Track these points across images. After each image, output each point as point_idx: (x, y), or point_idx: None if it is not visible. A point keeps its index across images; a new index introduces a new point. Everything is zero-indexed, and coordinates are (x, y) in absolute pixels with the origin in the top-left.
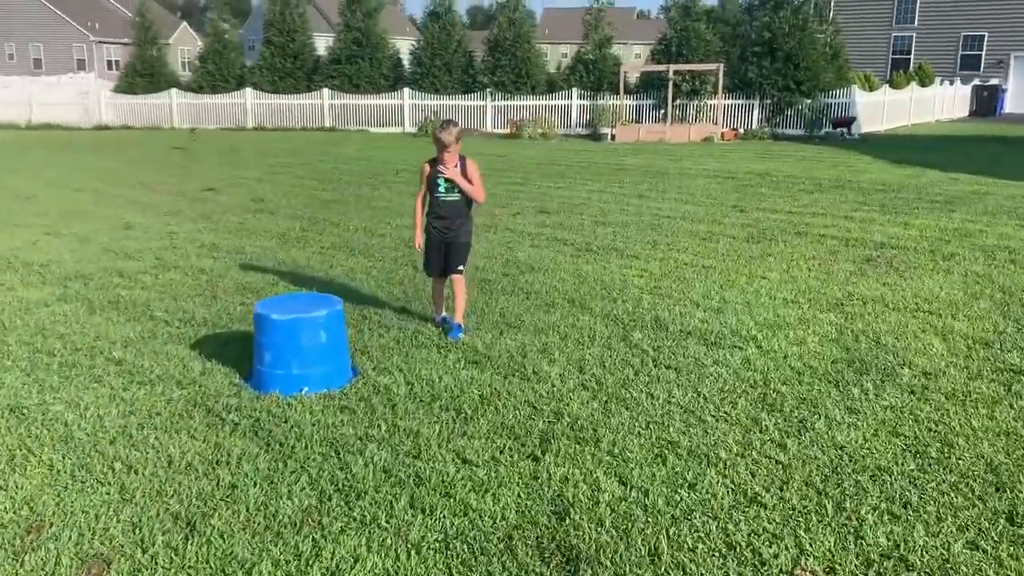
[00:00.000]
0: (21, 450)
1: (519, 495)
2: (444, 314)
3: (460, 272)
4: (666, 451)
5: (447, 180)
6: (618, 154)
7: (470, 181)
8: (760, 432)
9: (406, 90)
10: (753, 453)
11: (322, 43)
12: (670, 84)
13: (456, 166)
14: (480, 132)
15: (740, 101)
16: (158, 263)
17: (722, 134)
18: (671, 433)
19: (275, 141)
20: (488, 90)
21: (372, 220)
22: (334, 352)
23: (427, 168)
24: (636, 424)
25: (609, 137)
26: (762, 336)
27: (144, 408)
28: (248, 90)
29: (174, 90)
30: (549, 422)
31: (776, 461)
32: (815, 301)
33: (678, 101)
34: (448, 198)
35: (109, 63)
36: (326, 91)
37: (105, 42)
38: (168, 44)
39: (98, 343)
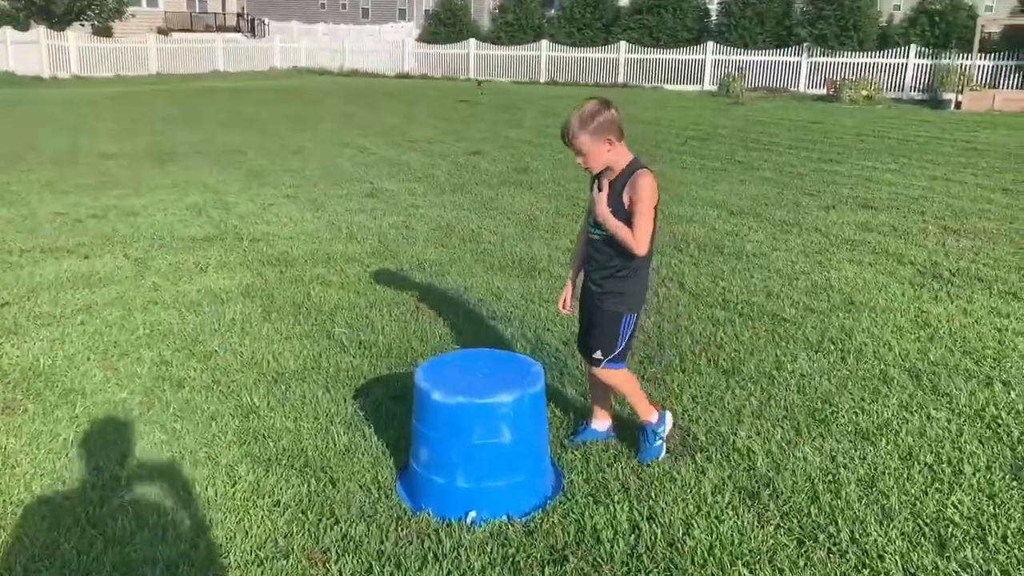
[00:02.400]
0: None
1: None
2: (595, 423)
3: (596, 363)
4: None
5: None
6: (966, 127)
7: (628, 213)
8: None
9: (709, 44)
10: None
11: None
12: None
13: (605, 189)
14: (789, 93)
15: None
16: (377, 249)
17: None
18: None
19: (562, 98)
20: (805, 44)
21: None
22: (523, 457)
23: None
24: None
25: (952, 105)
26: None
27: (229, 520)
28: (544, 42)
29: (472, 40)
30: None
31: None
32: None
33: None
34: (599, 236)
35: (426, 12)
36: (623, 44)
37: None
38: None
39: (241, 375)
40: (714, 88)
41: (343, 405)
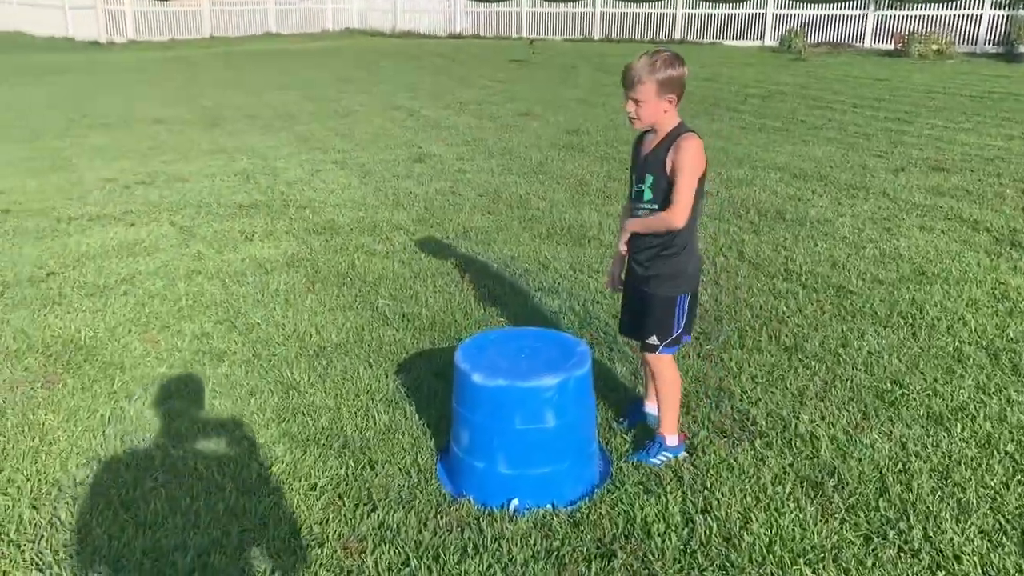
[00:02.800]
0: None
1: None
2: (649, 405)
3: (651, 349)
4: None
5: (642, 174)
6: None
7: (669, 180)
8: None
9: None
10: None
11: None
12: None
13: (656, 147)
14: (854, 48)
15: None
16: (423, 216)
17: None
18: None
19: (616, 55)
20: None
21: None
22: (568, 443)
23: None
24: None
25: None
26: None
27: (264, 504)
28: None
29: None
30: None
31: None
32: None
33: None
34: (644, 209)
35: None
36: None
37: None
38: None
39: (283, 348)
40: (775, 44)
41: (384, 381)
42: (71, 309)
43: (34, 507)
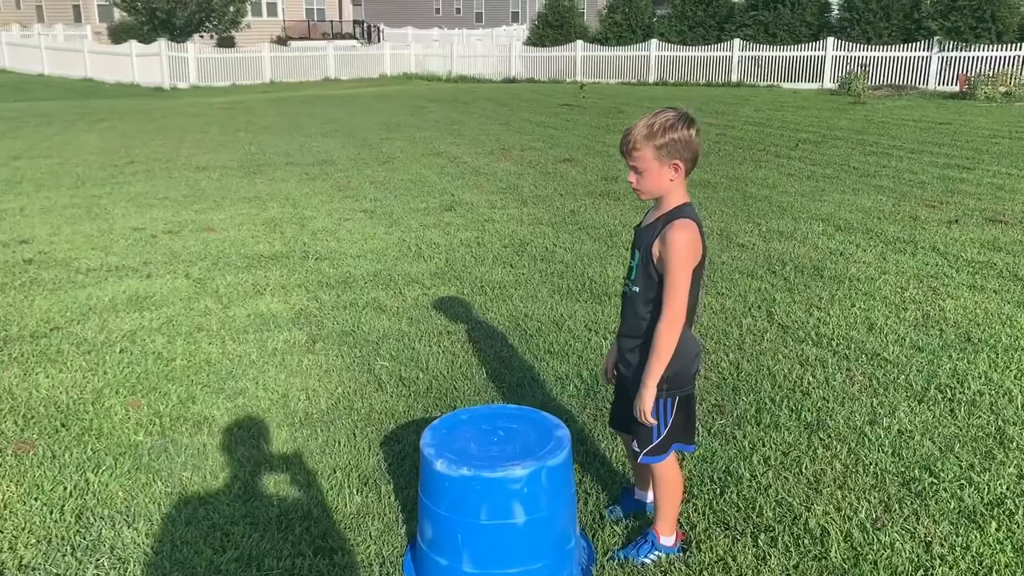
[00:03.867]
0: None
1: None
2: (640, 492)
3: (633, 456)
4: None
5: (634, 249)
6: None
7: (655, 270)
8: None
9: (830, 39)
10: None
11: None
12: None
13: (653, 223)
14: (917, 91)
15: None
16: (442, 269)
17: None
18: None
19: (669, 98)
20: (935, 38)
21: (737, 218)
22: (540, 540)
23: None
24: None
25: None
26: None
27: None
28: (653, 41)
29: (579, 42)
30: None
31: None
32: None
33: None
34: (629, 289)
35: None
36: (736, 41)
37: None
38: None
39: (267, 416)
40: (834, 86)
41: (366, 455)
42: (64, 368)
43: None
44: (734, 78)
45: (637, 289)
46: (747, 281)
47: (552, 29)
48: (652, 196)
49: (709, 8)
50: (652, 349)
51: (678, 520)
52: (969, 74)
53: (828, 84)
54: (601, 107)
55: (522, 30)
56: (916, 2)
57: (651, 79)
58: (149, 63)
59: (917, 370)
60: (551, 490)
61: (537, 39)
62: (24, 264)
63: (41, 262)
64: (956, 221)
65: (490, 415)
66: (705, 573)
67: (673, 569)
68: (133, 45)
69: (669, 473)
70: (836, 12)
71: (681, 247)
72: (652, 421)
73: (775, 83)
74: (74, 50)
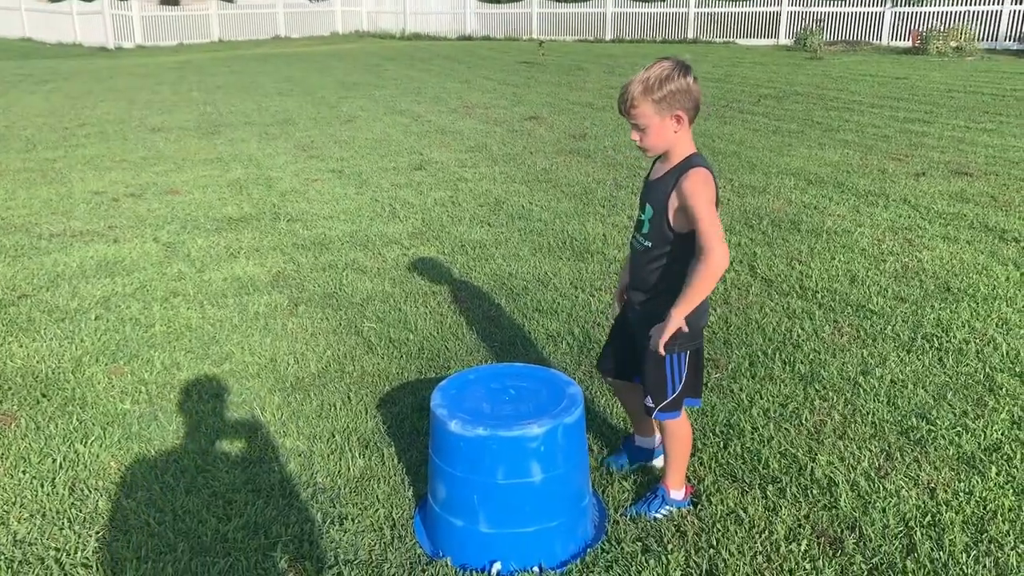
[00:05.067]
0: None
1: None
2: (640, 439)
3: (647, 412)
4: None
5: (643, 202)
6: None
7: (670, 225)
8: None
9: None
10: None
11: None
12: None
13: (664, 176)
14: (871, 46)
15: None
16: (419, 230)
17: None
18: None
19: (627, 55)
20: None
21: None
22: (557, 498)
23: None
24: None
25: None
26: None
27: (213, 570)
28: None
29: None
30: None
31: None
32: None
33: None
34: (639, 243)
35: None
36: None
37: None
38: None
39: (256, 381)
40: (790, 42)
41: (363, 418)
42: (38, 336)
43: None
44: (690, 34)
45: (649, 244)
46: (727, 235)
47: None
48: (659, 151)
49: None
50: (689, 286)
51: (686, 474)
52: (921, 29)
53: (784, 40)
54: (561, 64)
55: None
56: None
57: (608, 36)
58: (91, 21)
59: (903, 320)
60: (567, 448)
61: None
62: None
63: (0, 228)
64: (923, 174)
65: (498, 374)
66: (718, 525)
67: (686, 523)
68: (74, 3)
69: (682, 430)
70: None
71: (700, 189)
72: (662, 351)
73: (731, 39)
74: (10, 8)
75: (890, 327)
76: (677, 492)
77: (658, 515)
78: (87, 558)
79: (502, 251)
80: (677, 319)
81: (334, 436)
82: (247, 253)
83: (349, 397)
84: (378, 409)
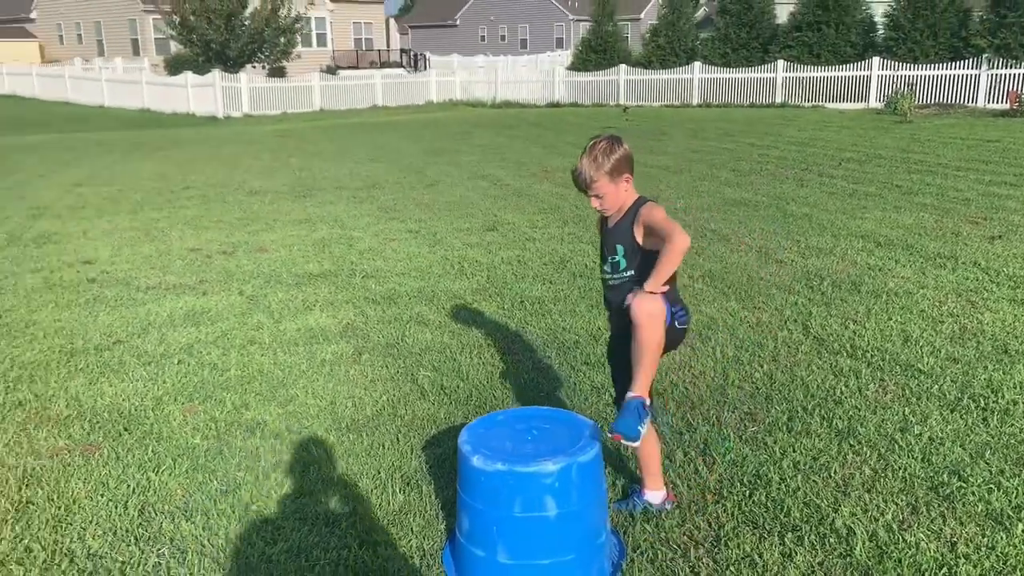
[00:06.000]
0: None
1: None
2: (648, 493)
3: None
4: None
5: (613, 246)
6: None
7: (639, 250)
8: None
9: (875, 59)
10: None
11: (784, 11)
12: None
13: (620, 221)
14: (965, 109)
15: None
16: (483, 286)
17: None
18: None
19: (712, 120)
20: (984, 55)
21: (776, 235)
22: (572, 533)
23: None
24: None
25: None
26: None
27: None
28: (696, 64)
29: (623, 66)
30: None
31: None
32: None
33: None
34: (619, 279)
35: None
36: (780, 63)
37: (582, 20)
38: (638, 19)
39: (315, 422)
40: (880, 106)
41: (408, 458)
42: (126, 378)
43: None
44: (778, 99)
45: (631, 272)
46: (784, 296)
47: (596, 54)
48: (616, 209)
49: (753, 30)
50: (660, 264)
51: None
52: (1019, 91)
53: (874, 104)
54: (644, 129)
55: (566, 55)
56: (964, 20)
57: (695, 101)
58: (204, 93)
59: (951, 380)
60: (581, 485)
61: (581, 64)
62: (88, 283)
63: (104, 281)
64: (999, 237)
65: (525, 416)
66: (732, 568)
67: (700, 565)
68: (188, 76)
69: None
70: (882, 32)
71: (655, 210)
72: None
73: (820, 104)
74: (133, 82)
75: (937, 386)
76: (656, 495)
77: (636, 509)
78: (147, 571)
79: (559, 307)
80: (649, 290)
81: (379, 473)
82: (322, 306)
83: (398, 438)
84: (423, 450)
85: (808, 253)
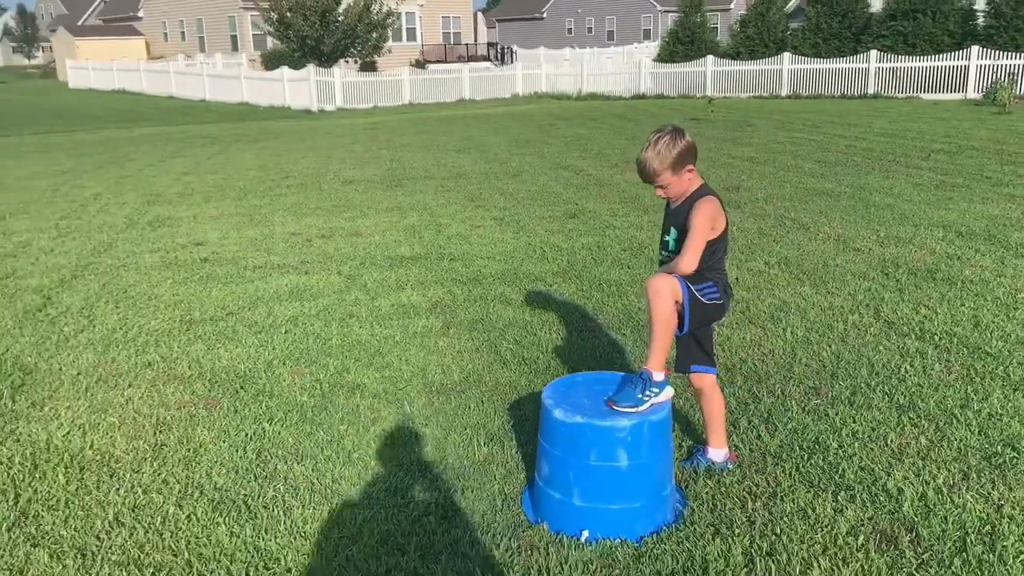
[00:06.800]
0: None
1: None
2: (711, 451)
3: (695, 372)
4: None
5: (668, 227)
6: None
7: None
8: None
9: (974, 48)
10: None
11: None
12: None
13: (680, 206)
14: None
15: None
16: (564, 269)
17: None
18: None
19: (800, 111)
20: None
21: (856, 225)
22: (640, 483)
23: None
24: None
25: None
26: None
27: (358, 514)
28: (785, 55)
29: (710, 57)
30: None
31: None
32: None
33: None
34: (667, 256)
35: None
36: (873, 53)
37: (670, 11)
38: (728, 10)
39: (408, 385)
40: (978, 97)
41: (492, 417)
42: (240, 344)
43: (179, 505)
44: (870, 90)
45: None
46: (858, 282)
47: (683, 45)
48: (682, 197)
49: (845, 20)
50: (670, 266)
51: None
52: None
53: (972, 94)
54: (730, 120)
55: (653, 47)
56: None
57: (783, 92)
58: (299, 87)
59: (1018, 363)
60: (651, 441)
61: (667, 55)
62: (201, 262)
63: (215, 260)
64: None
65: (602, 379)
66: (785, 519)
67: (756, 515)
68: (285, 71)
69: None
70: (982, 20)
71: (705, 216)
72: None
73: (914, 94)
74: (232, 77)
75: (1003, 368)
76: (719, 452)
77: (701, 466)
78: (266, 503)
79: (636, 289)
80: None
81: (466, 429)
82: (413, 285)
83: (482, 401)
84: (506, 412)
85: (887, 242)
